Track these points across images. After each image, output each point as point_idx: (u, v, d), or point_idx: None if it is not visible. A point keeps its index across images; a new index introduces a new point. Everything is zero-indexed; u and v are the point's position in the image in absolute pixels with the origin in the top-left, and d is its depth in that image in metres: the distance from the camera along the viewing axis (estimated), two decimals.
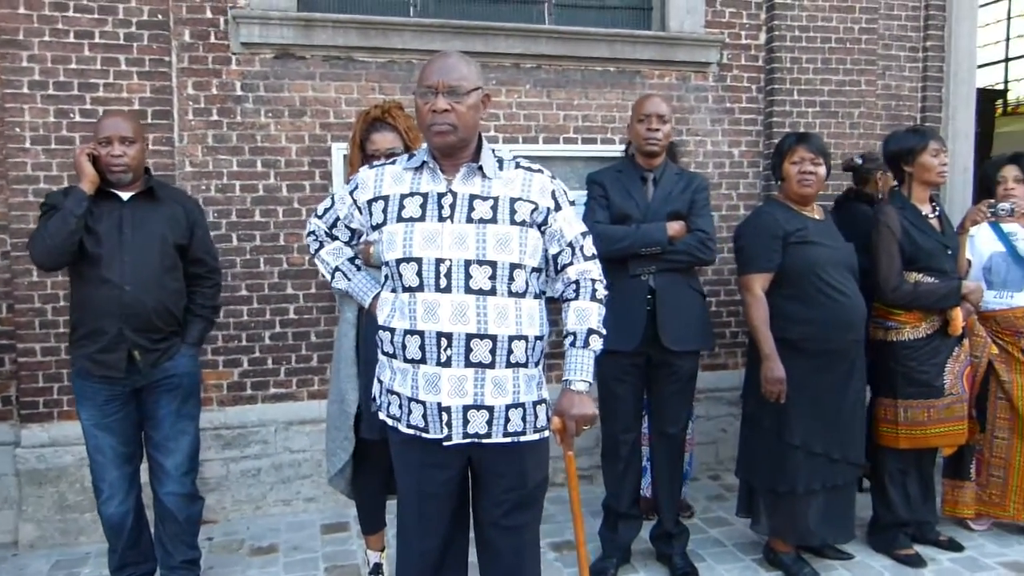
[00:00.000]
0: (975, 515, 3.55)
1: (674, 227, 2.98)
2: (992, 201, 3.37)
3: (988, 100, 8.13)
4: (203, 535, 3.56)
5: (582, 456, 4.07)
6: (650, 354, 3.03)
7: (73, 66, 3.47)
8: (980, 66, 9.04)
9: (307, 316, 3.87)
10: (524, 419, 2.03)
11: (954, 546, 3.40)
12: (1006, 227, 3.48)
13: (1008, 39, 8.59)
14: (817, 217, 3.12)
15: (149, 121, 3.56)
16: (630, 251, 2.97)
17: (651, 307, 2.99)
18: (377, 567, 3.06)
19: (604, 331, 2.09)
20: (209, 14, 3.68)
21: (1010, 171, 3.44)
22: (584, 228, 2.11)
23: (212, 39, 3.68)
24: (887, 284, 3.22)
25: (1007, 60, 8.64)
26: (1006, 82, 8.68)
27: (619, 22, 4.32)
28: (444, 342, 1.94)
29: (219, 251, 3.70)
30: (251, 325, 3.81)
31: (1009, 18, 8.57)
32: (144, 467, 2.92)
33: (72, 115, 3.49)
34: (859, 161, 3.97)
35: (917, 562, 3.26)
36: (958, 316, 3.23)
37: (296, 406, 3.87)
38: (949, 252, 3.30)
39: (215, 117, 3.71)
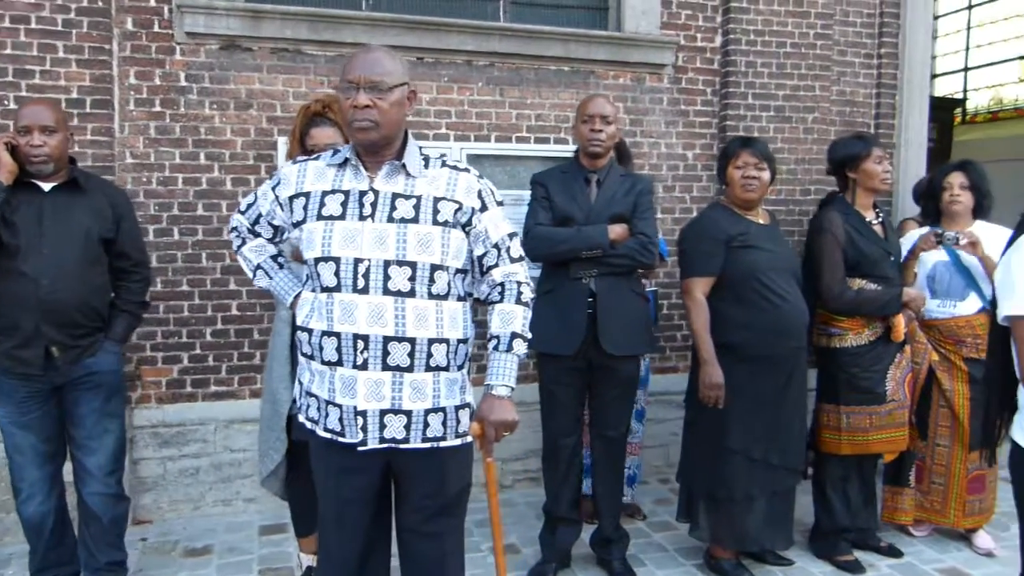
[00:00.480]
0: (914, 521, 3.58)
1: (616, 230, 2.95)
2: (940, 231, 3.38)
3: (947, 109, 8.24)
4: (137, 535, 3.49)
5: (531, 458, 4.05)
6: (591, 358, 3.00)
7: (8, 52, 3.37)
8: (940, 75, 9.21)
9: (250, 313, 3.79)
10: (445, 424, 1.99)
11: (894, 552, 3.42)
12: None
13: (967, 49, 8.69)
14: (761, 221, 3.11)
15: (88, 111, 3.47)
16: (571, 254, 2.94)
17: (592, 310, 2.96)
18: (309, 570, 3.00)
19: (529, 335, 2.05)
20: (153, 2, 3.58)
21: (956, 178, 3.45)
22: (511, 229, 2.08)
23: (156, 28, 3.59)
24: (830, 291, 3.23)
25: (966, 70, 8.75)
26: (965, 91, 8.79)
27: (575, 21, 4.29)
28: (361, 344, 1.89)
29: (160, 245, 3.65)
30: (192, 321, 3.72)
31: (969, 28, 8.67)
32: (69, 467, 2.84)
33: (6, 102, 3.38)
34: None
35: (856, 568, 3.27)
36: (900, 323, 3.25)
37: (237, 404, 3.80)
38: (892, 258, 3.32)
39: (158, 108, 3.62)
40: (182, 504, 3.74)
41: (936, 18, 9.33)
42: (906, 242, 3.53)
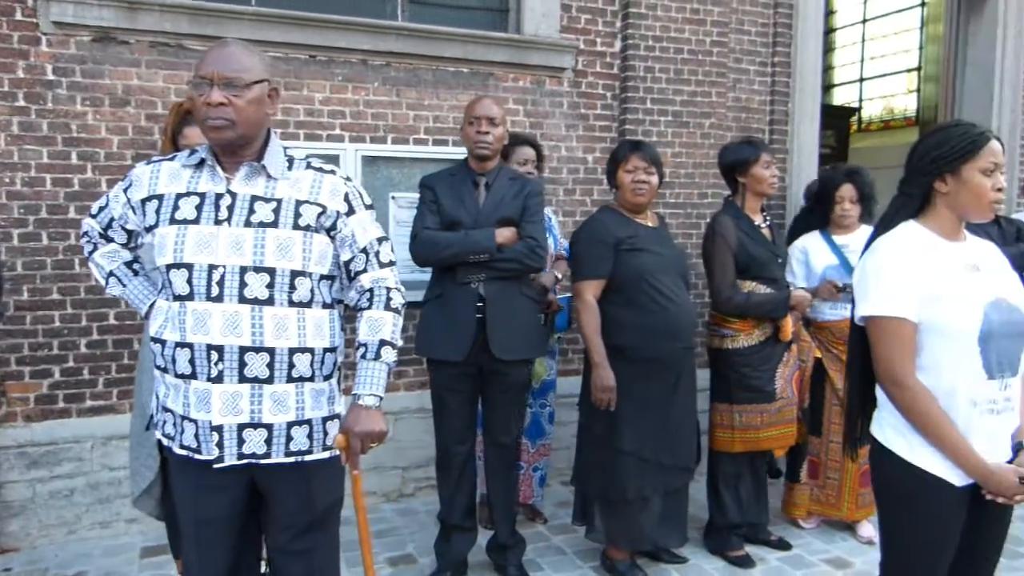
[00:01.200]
0: (807, 515, 3.68)
1: (504, 234, 2.90)
2: (840, 283, 3.45)
3: (844, 117, 8.58)
4: (1, 565, 3.25)
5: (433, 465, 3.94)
6: (481, 363, 2.95)
7: None
8: (838, 85, 9.59)
9: (129, 322, 3.58)
10: (311, 437, 1.90)
11: (783, 545, 3.49)
12: (839, 240, 3.58)
13: (862, 61, 9.06)
14: (650, 224, 3.12)
15: None
16: (458, 258, 2.87)
17: (482, 315, 2.90)
18: None
19: (399, 342, 1.97)
20: None
21: (847, 191, 3.53)
22: (380, 233, 2.00)
23: (18, 16, 3.35)
24: (720, 294, 3.27)
25: (861, 81, 9.11)
26: (860, 101, 9.16)
27: (474, 23, 4.24)
28: (215, 356, 1.78)
29: (26, 251, 3.41)
30: (64, 332, 3.50)
31: (863, 41, 9.04)
32: None
33: None
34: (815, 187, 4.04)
35: (747, 563, 3.32)
36: (788, 323, 3.31)
37: (116, 419, 3.58)
38: (780, 261, 3.39)
39: (21, 103, 3.38)
40: (54, 529, 3.50)
41: (834, 31, 9.70)
42: (795, 252, 3.63)
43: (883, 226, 1.97)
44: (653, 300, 2.99)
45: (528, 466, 3.69)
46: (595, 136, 4.43)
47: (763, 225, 3.39)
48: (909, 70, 7.97)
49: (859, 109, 9.12)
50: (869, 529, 3.58)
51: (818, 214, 3.70)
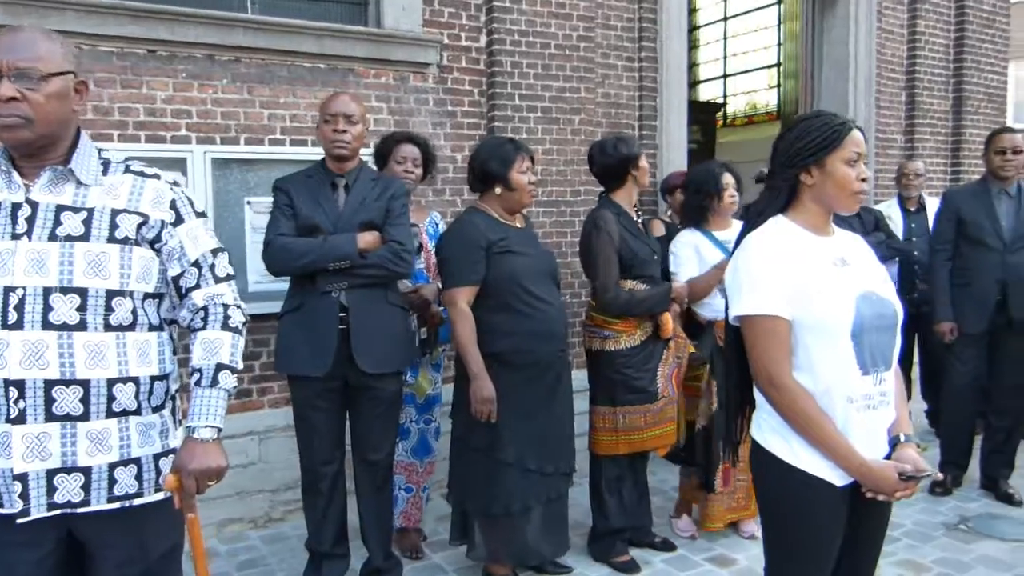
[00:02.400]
0: (725, 526, 3.56)
1: (365, 238, 2.72)
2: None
3: (710, 112, 8.85)
4: None
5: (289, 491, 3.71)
6: (347, 377, 2.76)
7: None
8: (704, 81, 9.92)
9: None
10: (139, 478, 1.67)
11: (667, 546, 3.46)
12: (720, 236, 3.46)
13: (725, 58, 9.38)
14: (519, 225, 3.01)
15: None
16: (316, 266, 2.67)
17: (345, 326, 2.72)
18: None
19: (239, 365, 1.77)
20: None
21: (730, 179, 3.47)
22: (215, 244, 1.78)
23: None
24: (606, 292, 3.18)
25: (725, 77, 9.43)
26: (725, 97, 9.48)
27: (331, 16, 4.01)
28: (14, 392, 1.52)
29: None
30: None
31: (726, 38, 9.36)
32: None
33: None
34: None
35: (632, 568, 3.27)
36: (668, 319, 3.27)
37: None
38: (656, 257, 3.35)
39: None
40: None
41: (697, 28, 9.99)
42: (683, 248, 3.52)
43: (752, 222, 1.93)
44: (527, 303, 2.89)
45: (418, 488, 3.46)
46: (463, 134, 4.30)
47: (638, 221, 3.36)
48: (769, 66, 8.31)
49: (724, 105, 9.44)
50: (751, 525, 3.58)
51: (694, 208, 3.54)
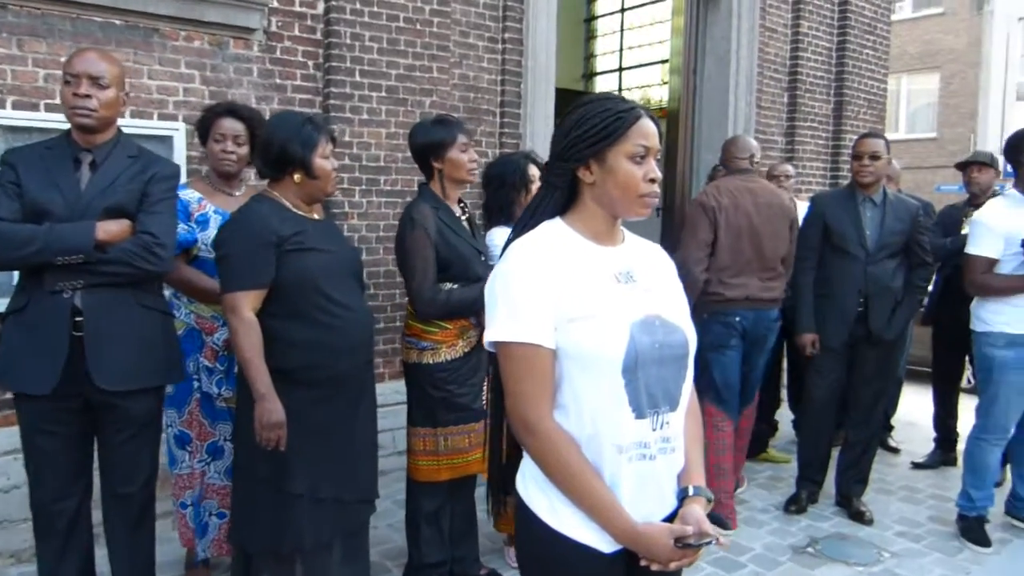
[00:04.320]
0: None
1: (108, 228, 2.22)
2: None
3: None
4: None
5: None
6: (87, 395, 2.27)
7: None
8: (600, 74, 9.64)
9: None
10: None
11: None
12: None
13: (621, 50, 9.13)
14: (316, 217, 2.57)
15: None
16: (39, 259, 2.16)
17: (81, 332, 2.22)
18: None
19: None
20: None
21: (535, 171, 3.18)
22: None
23: None
24: (422, 294, 2.79)
25: (621, 70, 9.18)
26: (620, 90, 9.23)
27: None
28: None
29: None
30: None
31: (622, 31, 9.11)
32: None
33: None
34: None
35: None
36: None
37: None
38: (482, 257, 2.98)
39: None
40: None
41: (595, 18, 9.71)
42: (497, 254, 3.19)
43: (521, 226, 1.56)
44: (325, 310, 2.43)
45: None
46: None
47: (462, 217, 2.97)
48: (663, 61, 8.09)
49: None
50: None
51: (498, 204, 3.24)
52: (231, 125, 2.85)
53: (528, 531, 1.50)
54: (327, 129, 2.53)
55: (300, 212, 2.52)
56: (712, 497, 1.56)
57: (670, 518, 1.49)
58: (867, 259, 3.74)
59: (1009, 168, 3.71)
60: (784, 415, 5.20)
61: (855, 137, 6.40)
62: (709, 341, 3.73)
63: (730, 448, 3.81)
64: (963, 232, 4.34)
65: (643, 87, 9.14)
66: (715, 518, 3.91)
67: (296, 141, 2.46)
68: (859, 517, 3.84)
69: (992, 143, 16.21)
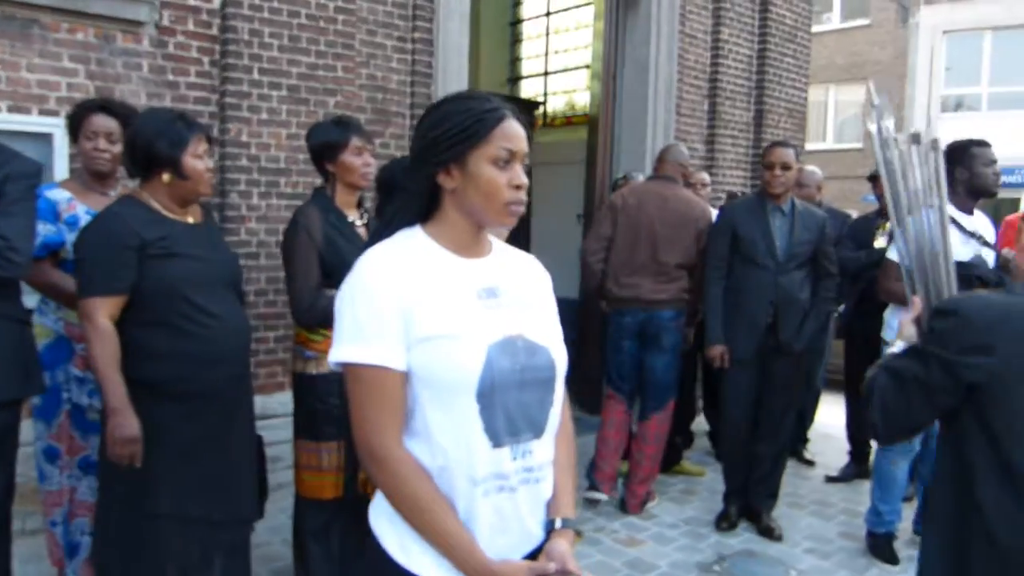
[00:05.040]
0: None
1: None
2: None
3: (529, 111, 8.53)
4: None
5: None
6: None
7: None
8: (526, 78, 9.61)
9: None
10: None
11: None
12: None
13: (547, 54, 9.10)
14: (190, 220, 2.42)
15: None
16: None
17: None
18: None
19: None
20: None
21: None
22: None
23: None
24: (301, 300, 2.69)
25: (546, 75, 9.15)
26: (545, 95, 9.20)
27: None
28: None
29: None
30: None
31: (548, 34, 9.08)
32: None
33: None
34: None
35: None
36: None
37: None
38: None
39: None
40: None
41: (520, 21, 9.66)
42: None
43: (377, 235, 1.45)
44: (191, 319, 2.31)
45: None
46: (189, 109, 3.60)
47: (359, 223, 2.85)
48: (587, 66, 8.08)
49: (544, 103, 9.17)
50: None
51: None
52: (103, 122, 2.68)
53: (375, 568, 1.39)
54: (200, 127, 2.39)
55: (170, 215, 2.38)
56: (582, 531, 1.47)
57: (535, 552, 1.40)
58: (777, 269, 3.74)
59: None
60: (701, 426, 5.19)
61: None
62: (609, 333, 3.99)
63: (620, 426, 4.01)
64: (876, 245, 4.37)
65: (568, 92, 9.14)
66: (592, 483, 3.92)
67: (164, 139, 2.32)
68: (768, 533, 3.79)
69: None
